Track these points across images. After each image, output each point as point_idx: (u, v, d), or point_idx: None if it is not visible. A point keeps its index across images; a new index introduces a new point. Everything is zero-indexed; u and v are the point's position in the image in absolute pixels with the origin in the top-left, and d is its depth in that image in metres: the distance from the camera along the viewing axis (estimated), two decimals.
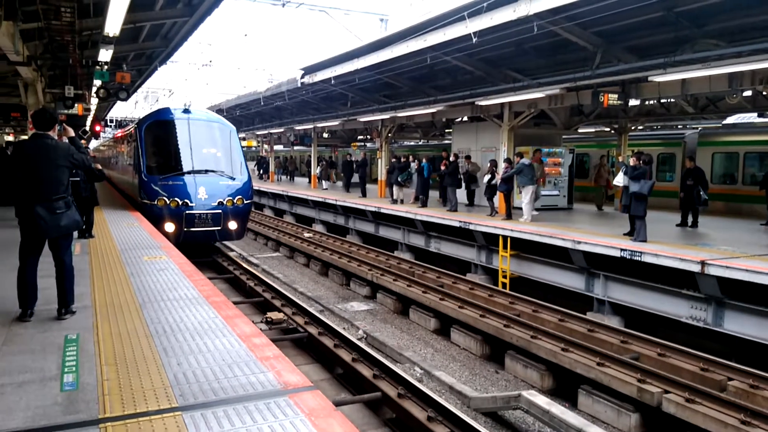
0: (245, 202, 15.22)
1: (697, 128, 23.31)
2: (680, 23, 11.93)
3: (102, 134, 36.69)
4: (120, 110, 45.01)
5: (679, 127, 26.22)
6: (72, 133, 6.94)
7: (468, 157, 19.66)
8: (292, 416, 3.70)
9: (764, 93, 14.79)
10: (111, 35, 10.93)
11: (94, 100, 21.99)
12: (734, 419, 6.93)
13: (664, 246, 11.40)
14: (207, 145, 15.57)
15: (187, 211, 14.14)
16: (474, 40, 12.42)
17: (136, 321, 5.77)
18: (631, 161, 12.46)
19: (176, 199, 14.16)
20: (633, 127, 21.28)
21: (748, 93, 15.60)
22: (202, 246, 16.37)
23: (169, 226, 13.90)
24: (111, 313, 6.04)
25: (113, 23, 10.14)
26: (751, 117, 20.59)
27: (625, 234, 12.85)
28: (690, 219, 14.63)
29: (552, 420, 7.21)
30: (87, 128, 27.89)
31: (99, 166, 12.56)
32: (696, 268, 9.96)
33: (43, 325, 5.63)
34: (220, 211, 14.53)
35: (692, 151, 19.50)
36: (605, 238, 12.39)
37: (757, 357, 9.37)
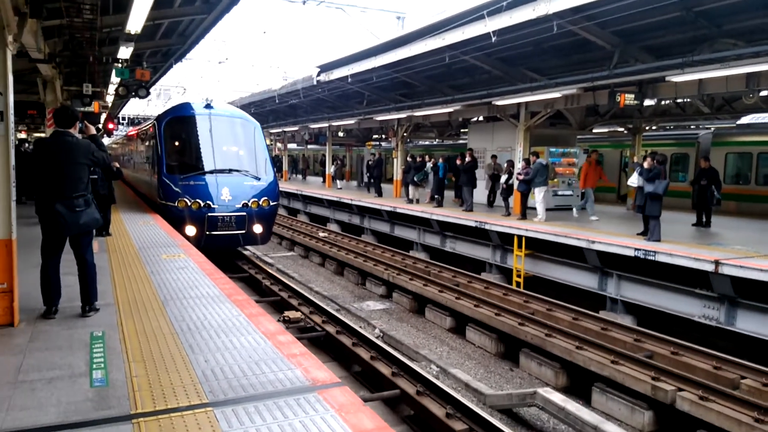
0: (271, 204, 14.35)
1: (710, 128, 23.21)
2: (699, 23, 11.91)
3: (115, 132, 36.95)
4: (132, 108, 45.23)
5: (693, 127, 26.11)
6: (93, 131, 7.03)
7: (494, 157, 19.65)
8: (323, 412, 3.79)
9: None
10: (133, 32, 11.02)
11: (110, 98, 22.18)
12: (748, 417, 6.98)
13: (678, 246, 11.41)
14: (230, 143, 14.86)
15: (209, 214, 13.34)
16: (493, 39, 12.44)
17: (160, 318, 5.87)
18: (646, 164, 12.46)
19: (198, 200, 13.37)
20: (647, 127, 21.22)
21: (764, 93, 15.52)
22: (224, 251, 15.51)
23: (190, 230, 13.21)
24: (134, 310, 6.16)
25: (136, 20, 10.23)
26: (765, 117, 20.48)
27: (638, 234, 12.86)
28: (703, 218, 14.62)
29: (567, 417, 7.28)
30: (101, 126, 28.13)
31: (117, 165, 12.56)
32: (710, 268, 9.99)
33: (67, 322, 5.74)
34: (244, 213, 13.72)
35: (706, 151, 19.43)
36: (619, 238, 12.41)
37: None
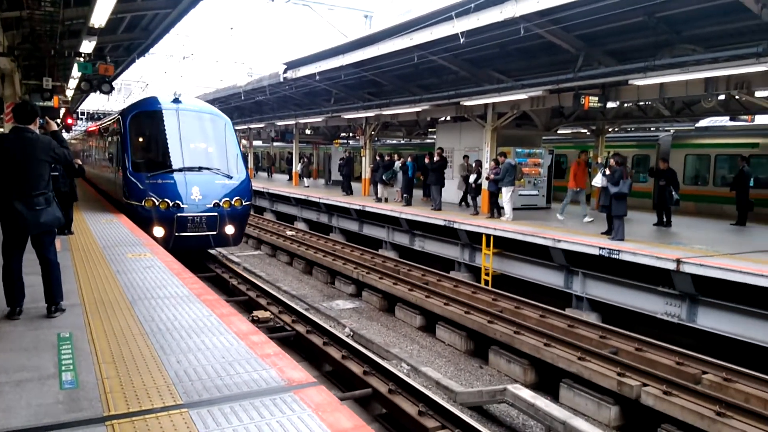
0: (244, 203, 13.73)
1: (670, 131, 23.80)
2: (660, 28, 12.21)
3: (74, 127, 36.07)
4: (92, 103, 44.22)
5: (653, 129, 26.74)
6: (55, 126, 6.84)
7: (466, 157, 19.77)
8: (299, 411, 3.77)
9: (738, 97, 15.17)
10: (96, 26, 10.80)
11: (70, 92, 21.68)
12: (710, 411, 7.19)
13: (641, 245, 11.69)
14: (200, 139, 14.15)
15: (178, 214, 12.66)
16: (461, 40, 12.55)
17: (128, 319, 5.76)
18: (608, 170, 12.75)
19: (166, 200, 12.65)
20: (610, 129, 21.65)
21: (722, 97, 15.99)
22: (194, 253, 14.81)
23: (158, 231, 12.48)
24: (102, 310, 6.02)
25: (101, 14, 10.04)
26: (723, 120, 21.09)
27: (602, 233, 13.12)
28: (664, 218, 15.01)
29: (537, 413, 7.39)
30: (59, 121, 27.45)
31: (79, 162, 12.18)
32: (672, 266, 10.26)
33: (33, 323, 5.58)
34: (216, 213, 13.07)
35: (665, 152, 19.93)
36: (584, 237, 12.65)
37: (728, 351, 9.68)
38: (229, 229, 13.40)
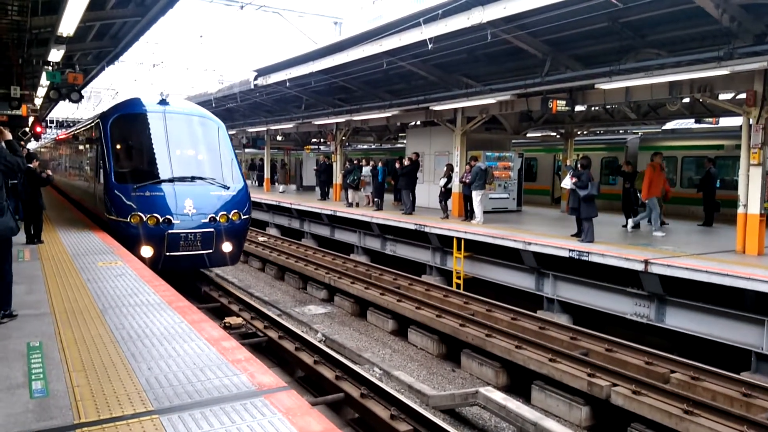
0: (243, 217, 12.25)
1: (638, 133, 24.26)
2: (624, 33, 12.48)
3: (43, 135, 35.45)
4: (61, 111, 43.55)
5: (621, 132, 27.21)
6: (9, 136, 6.76)
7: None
8: (270, 415, 3.80)
9: (701, 101, 15.54)
10: (65, 35, 10.69)
11: (39, 101, 21.36)
12: (678, 409, 7.34)
13: (610, 246, 11.90)
14: (191, 146, 12.82)
15: (169, 231, 11.25)
16: (429, 46, 12.69)
17: (99, 327, 5.73)
18: (573, 179, 12.98)
19: (155, 215, 11.24)
20: (578, 132, 22.00)
21: (686, 100, 16.37)
22: (186, 274, 13.29)
23: (146, 251, 11.13)
24: (72, 319, 5.98)
25: (69, 22, 9.94)
26: (689, 123, 21.56)
27: (572, 235, 13.32)
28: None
29: (508, 415, 7.48)
30: (27, 129, 26.95)
31: (49, 172, 11.84)
32: (640, 267, 10.46)
33: (1, 332, 5.54)
34: (211, 229, 11.64)
35: (633, 155, 20.31)
36: (554, 239, 12.83)
37: (696, 350, 9.90)
38: (227, 247, 11.97)
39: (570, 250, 11.79)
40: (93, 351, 5.02)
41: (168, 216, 11.31)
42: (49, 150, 30.35)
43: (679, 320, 10.30)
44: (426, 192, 20.82)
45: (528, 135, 24.40)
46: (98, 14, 12.71)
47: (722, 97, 14.03)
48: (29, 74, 16.33)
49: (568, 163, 18.66)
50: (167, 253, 11.29)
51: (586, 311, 11.94)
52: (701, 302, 9.94)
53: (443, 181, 17.55)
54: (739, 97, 14.43)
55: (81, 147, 16.73)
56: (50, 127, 44.50)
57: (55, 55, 12.83)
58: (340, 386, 7.82)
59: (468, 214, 16.68)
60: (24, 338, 5.35)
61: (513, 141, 22.25)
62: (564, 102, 14.71)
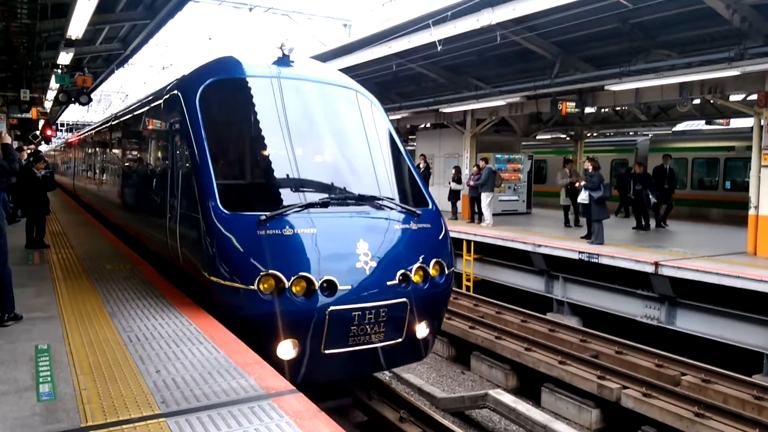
0: (446, 271, 6.95)
1: (648, 135, 24.13)
2: (634, 34, 12.42)
3: (54, 138, 35.68)
4: (72, 114, 43.81)
5: (631, 133, 27.08)
6: (7, 139, 6.79)
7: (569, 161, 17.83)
8: (278, 419, 3.78)
9: (712, 102, 15.43)
10: (74, 38, 10.73)
11: (48, 104, 21.51)
12: (689, 412, 7.29)
13: (620, 248, 11.82)
14: (343, 139, 7.76)
15: (333, 307, 6.00)
16: (439, 48, 12.68)
17: (107, 330, 5.71)
18: (587, 165, 12.91)
19: (305, 274, 5.99)
20: (588, 134, 21.92)
21: (697, 101, 16.26)
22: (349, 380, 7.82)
23: (286, 348, 6.00)
24: (80, 322, 5.97)
25: (78, 25, 9.98)
26: (699, 124, 21.44)
27: (582, 237, 13.24)
28: (642, 222, 15.18)
29: (518, 417, 7.44)
30: (38, 132, 27.17)
31: (42, 166, 10.80)
32: (650, 269, 10.39)
33: (10, 335, 5.53)
34: (404, 299, 6.38)
35: (642, 156, 20.20)
36: (564, 241, 12.76)
37: (707, 353, 9.81)
38: (422, 330, 6.76)
39: (580, 252, 11.72)
40: (101, 353, 5.01)
41: (330, 277, 6.01)
42: (72, 150, 23.21)
43: (690, 322, 10.22)
44: (435, 194, 20.71)
45: (538, 137, 24.34)
46: (107, 17, 12.77)
47: (733, 98, 13.93)
48: (39, 77, 16.43)
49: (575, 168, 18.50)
50: (326, 351, 6.09)
51: (597, 313, 11.85)
52: (712, 304, 9.84)
53: (454, 184, 17.51)
54: (750, 98, 14.32)
55: (130, 144, 11.46)
56: (60, 130, 44.81)
57: (65, 58, 12.88)
58: (349, 389, 7.78)
59: (473, 217, 16.59)
60: (32, 341, 5.35)
61: (522, 143, 22.18)
62: (574, 104, 14.67)
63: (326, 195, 6.67)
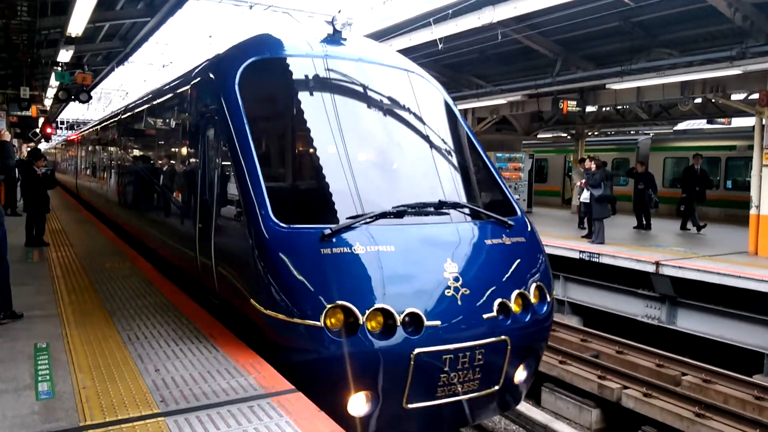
0: (548, 297, 5.60)
1: (649, 134, 24.11)
2: (636, 33, 12.40)
3: (54, 136, 35.63)
4: (72, 112, 43.77)
5: (633, 132, 27.05)
6: (6, 137, 6.78)
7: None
8: (277, 418, 3.76)
9: (713, 101, 15.40)
10: (74, 35, 10.71)
11: (48, 101, 21.50)
12: (689, 412, 7.28)
13: (621, 248, 11.79)
14: (413, 134, 6.37)
15: (419, 348, 4.67)
16: (440, 46, 12.65)
17: (106, 328, 5.69)
18: (587, 164, 12.88)
19: (384, 306, 4.66)
20: (589, 133, 21.90)
21: (698, 100, 16.24)
22: None
23: (359, 402, 4.74)
24: (79, 320, 5.96)
25: (78, 23, 9.95)
26: (701, 123, 21.42)
27: (583, 236, 13.22)
28: (643, 221, 15.16)
29: (518, 417, 7.43)
30: (38, 130, 27.14)
31: (42, 164, 10.45)
32: (651, 269, 10.37)
33: (9, 334, 5.51)
34: (504, 337, 5.06)
35: (644, 156, 20.17)
36: (565, 241, 12.74)
37: (708, 353, 9.80)
38: (520, 374, 5.53)
39: (581, 252, 11.69)
40: (100, 352, 5.00)
41: (414, 309, 4.73)
42: (77, 147, 21.59)
43: (691, 322, 10.20)
44: None
45: (539, 136, 24.31)
46: (107, 14, 12.77)
47: (735, 97, 13.91)
48: (39, 75, 16.42)
49: (581, 167, 18.47)
50: (408, 405, 4.81)
51: (597, 313, 11.83)
52: (713, 304, 9.83)
53: None
54: (751, 97, 14.29)
55: (147, 139, 10.31)
56: (60, 128, 44.78)
57: (65, 55, 12.88)
58: None
59: None
60: (31, 339, 5.33)
61: (523, 142, 22.16)
62: (575, 102, 14.66)
63: (400, 202, 5.31)
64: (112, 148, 13.25)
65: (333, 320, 4.56)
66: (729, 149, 18.76)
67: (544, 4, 10.54)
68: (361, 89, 6.22)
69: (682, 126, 23.42)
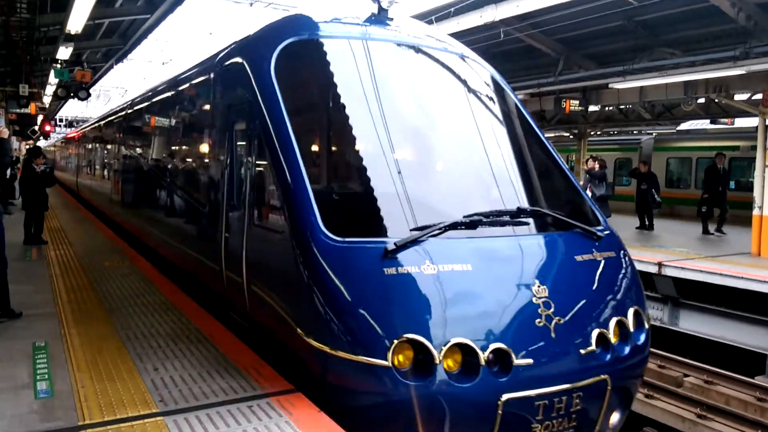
0: (646, 323, 4.67)
1: (652, 134, 24.06)
2: (638, 32, 12.35)
3: (52, 134, 35.53)
4: (71, 109, 43.72)
5: (635, 132, 27.00)
6: (5, 134, 6.76)
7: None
8: (277, 418, 3.72)
9: (717, 101, 15.36)
10: (73, 32, 10.67)
11: (47, 99, 21.46)
12: (691, 413, 7.26)
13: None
14: (477, 130, 5.24)
15: (508, 394, 3.75)
16: None
17: (105, 327, 5.65)
18: (590, 163, 12.84)
19: (464, 340, 3.76)
20: (592, 133, 21.85)
21: (701, 100, 16.19)
22: None
23: None
24: (78, 319, 5.92)
25: (77, 20, 9.92)
26: (704, 123, 21.36)
27: None
28: (646, 222, 15.11)
29: None
30: (36, 128, 27.07)
31: (41, 162, 9.95)
32: (653, 270, 10.31)
33: (8, 333, 5.48)
34: (605, 376, 4.12)
35: (647, 156, 20.13)
36: None
37: (710, 354, 9.76)
38: (615, 417, 4.54)
39: None
40: (98, 351, 4.96)
41: (500, 345, 3.84)
42: (79, 144, 20.39)
43: (693, 323, 10.15)
44: None
45: None
46: (107, 11, 12.73)
47: (738, 97, 13.85)
48: (38, 72, 16.39)
49: (583, 166, 18.43)
50: None
51: None
52: (715, 305, 9.79)
53: None
54: (755, 97, 14.23)
55: (161, 133, 9.17)
56: (59, 125, 44.73)
57: (64, 52, 12.84)
58: None
59: None
60: (30, 338, 5.29)
61: None
62: (577, 102, 14.63)
63: (471, 209, 4.41)
64: (119, 145, 12.21)
65: (401, 357, 3.72)
66: (732, 149, 18.71)
67: (547, 2, 10.46)
68: (419, 77, 5.40)
69: (685, 126, 23.37)
